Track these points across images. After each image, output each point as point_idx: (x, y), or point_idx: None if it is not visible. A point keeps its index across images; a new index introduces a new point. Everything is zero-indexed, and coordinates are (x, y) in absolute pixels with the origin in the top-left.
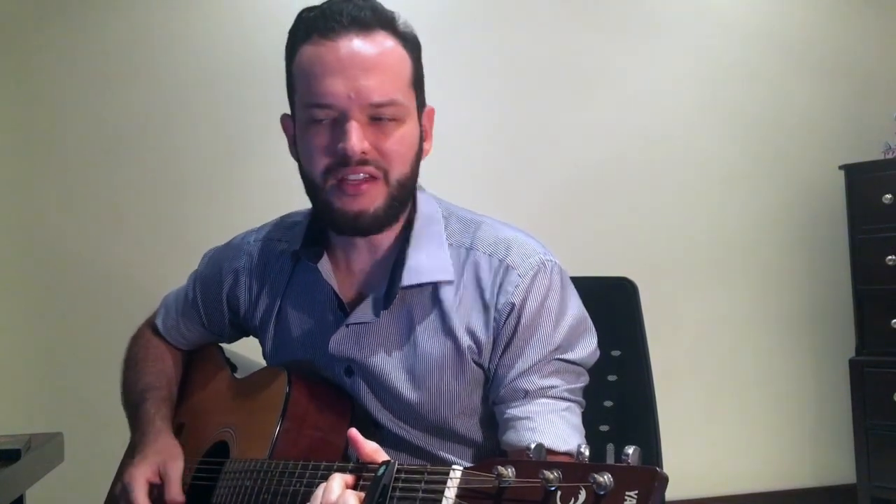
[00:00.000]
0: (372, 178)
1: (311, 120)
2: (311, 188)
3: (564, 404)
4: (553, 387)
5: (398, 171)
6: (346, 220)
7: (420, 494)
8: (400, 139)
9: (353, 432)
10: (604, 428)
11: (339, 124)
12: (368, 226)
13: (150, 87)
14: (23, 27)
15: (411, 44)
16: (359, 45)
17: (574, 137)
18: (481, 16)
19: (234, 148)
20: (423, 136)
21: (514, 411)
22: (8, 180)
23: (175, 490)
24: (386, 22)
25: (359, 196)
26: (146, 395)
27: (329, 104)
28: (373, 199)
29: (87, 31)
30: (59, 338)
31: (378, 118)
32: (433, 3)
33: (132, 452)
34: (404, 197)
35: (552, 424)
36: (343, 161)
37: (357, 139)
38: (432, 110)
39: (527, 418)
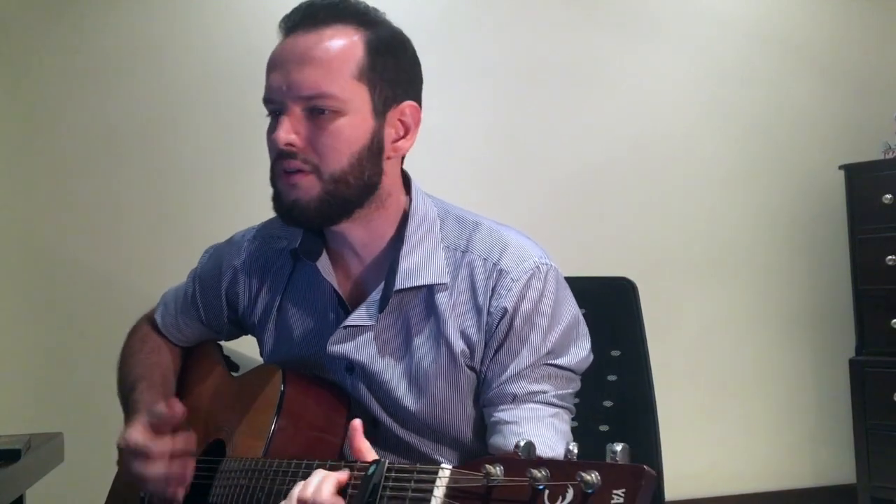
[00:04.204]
0: (304, 171)
1: (268, 115)
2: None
3: (553, 410)
4: (542, 392)
5: (331, 166)
6: (282, 210)
7: (409, 493)
8: (335, 132)
9: (356, 423)
10: (604, 428)
11: (278, 117)
12: (301, 217)
13: (151, 87)
14: (23, 27)
15: (377, 39)
16: (300, 40)
17: (574, 137)
18: (481, 16)
19: (235, 148)
20: (402, 132)
21: (501, 415)
22: (8, 180)
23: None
24: (345, 15)
25: (293, 187)
26: (137, 385)
27: (270, 98)
28: (305, 191)
29: (87, 30)
30: (58, 338)
31: (318, 111)
32: (432, 4)
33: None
34: (345, 193)
35: (539, 430)
36: (277, 153)
37: (283, 132)
38: (415, 107)
39: (514, 423)
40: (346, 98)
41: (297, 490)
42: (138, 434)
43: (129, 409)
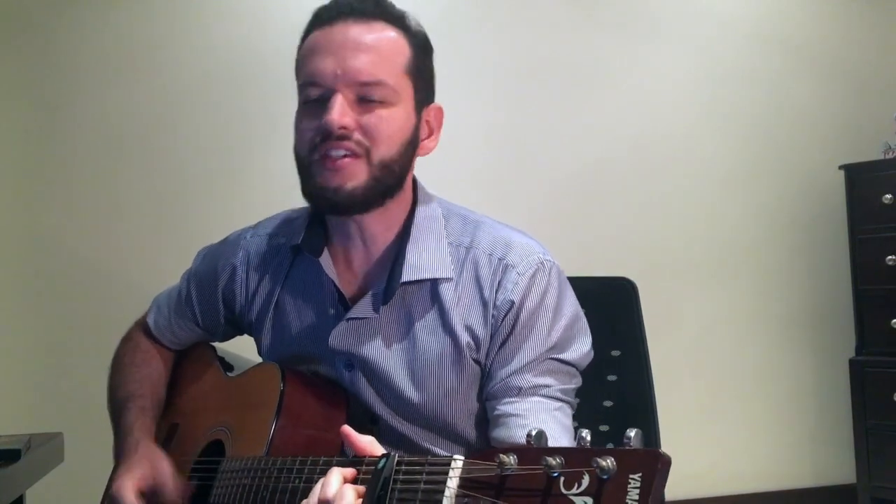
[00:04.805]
0: (354, 154)
1: (304, 100)
2: (299, 165)
3: (557, 404)
4: (547, 386)
5: (381, 151)
6: (325, 195)
7: (422, 486)
8: (387, 120)
9: (346, 429)
10: (604, 428)
11: (326, 101)
12: (345, 202)
13: (151, 87)
14: (23, 27)
15: (417, 40)
16: (353, 29)
17: (574, 137)
18: (481, 16)
19: (235, 148)
20: (427, 133)
21: (505, 408)
22: (9, 180)
23: (171, 485)
24: (390, 16)
25: (338, 171)
26: (127, 404)
27: (318, 82)
28: (352, 175)
29: (87, 30)
30: (59, 338)
31: (367, 99)
32: (432, 4)
33: (116, 464)
34: (389, 181)
35: (543, 423)
36: (326, 135)
37: (338, 113)
38: (440, 109)
39: (518, 415)
40: (398, 90)
41: (318, 489)
42: (131, 495)
43: (121, 430)
